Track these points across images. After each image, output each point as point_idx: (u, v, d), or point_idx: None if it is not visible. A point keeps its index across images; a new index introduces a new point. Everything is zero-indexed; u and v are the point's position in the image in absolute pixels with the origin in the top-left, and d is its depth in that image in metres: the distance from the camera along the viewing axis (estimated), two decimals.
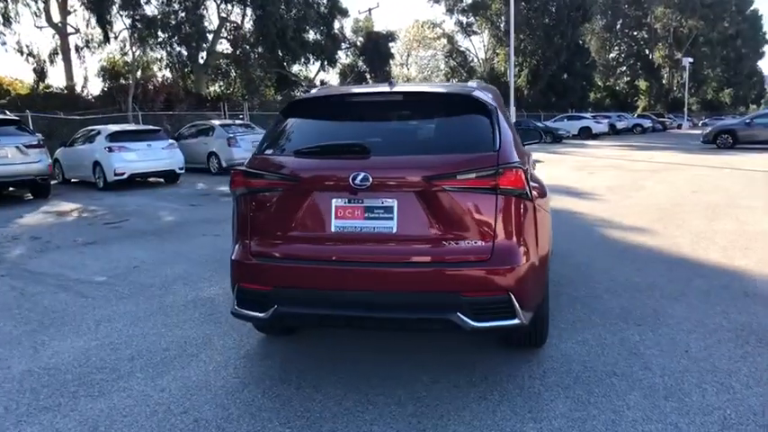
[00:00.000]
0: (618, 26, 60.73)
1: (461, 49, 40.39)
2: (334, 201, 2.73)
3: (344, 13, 31.48)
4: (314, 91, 3.54)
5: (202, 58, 26.59)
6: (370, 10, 33.52)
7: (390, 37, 32.78)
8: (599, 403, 2.78)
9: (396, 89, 2.99)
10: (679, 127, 47.67)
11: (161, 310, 4.32)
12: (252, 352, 3.53)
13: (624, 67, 64.72)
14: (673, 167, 14.64)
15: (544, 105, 42.24)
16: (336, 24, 31.45)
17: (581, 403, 2.78)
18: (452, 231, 2.63)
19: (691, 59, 50.85)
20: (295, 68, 31.54)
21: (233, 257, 2.93)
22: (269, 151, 2.97)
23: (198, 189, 12.66)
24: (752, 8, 74.41)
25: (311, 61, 31.42)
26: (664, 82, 65.25)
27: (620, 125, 38.12)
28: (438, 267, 2.61)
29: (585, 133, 33.06)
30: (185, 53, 25.37)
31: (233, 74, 28.41)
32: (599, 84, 57.51)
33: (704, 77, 66.90)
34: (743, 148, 20.63)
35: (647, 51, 61.74)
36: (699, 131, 28.25)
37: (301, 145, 2.88)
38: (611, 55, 62.54)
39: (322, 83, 34.61)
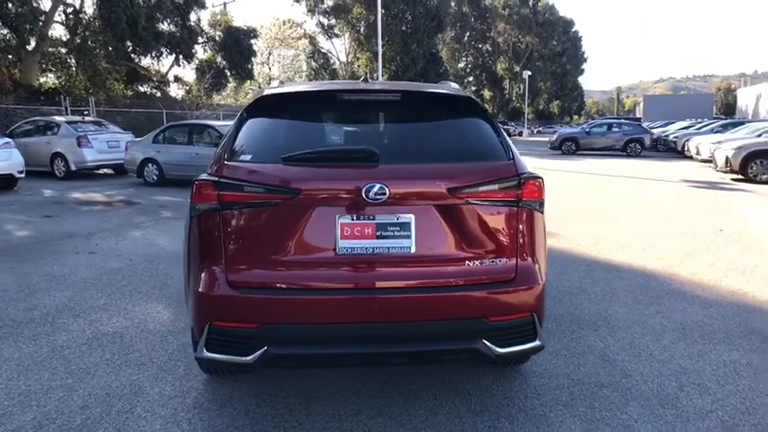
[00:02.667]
0: (466, 38, 65.17)
1: (323, 50, 40.14)
2: (338, 217, 2.28)
3: (201, 4, 29.52)
4: (275, 84, 3.00)
5: (32, 43, 23.02)
6: (225, 4, 31.79)
7: (252, 33, 31.37)
8: (606, 419, 2.70)
9: (393, 87, 2.63)
10: (520, 134, 52.41)
11: (56, 354, 3.44)
12: (202, 399, 2.90)
13: (471, 77, 69.65)
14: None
15: None
16: (193, 16, 29.44)
17: (590, 421, 2.68)
18: (475, 249, 2.35)
19: (529, 72, 56.20)
20: (145, 62, 28.84)
21: (198, 289, 2.33)
22: (244, 157, 2.40)
23: (46, 197, 10.82)
24: (574, 29, 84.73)
25: (164, 54, 28.97)
26: (505, 92, 71.42)
27: None
28: (463, 291, 2.31)
29: None
30: (12, 36, 21.79)
31: (73, 64, 25.08)
32: None
33: (538, 89, 74.59)
34: (584, 154, 23.22)
35: (491, 63, 67.05)
36: (538, 138, 31.33)
37: (289, 150, 2.38)
38: (460, 65, 66.95)
39: (176, 78, 32.15)
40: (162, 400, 2.88)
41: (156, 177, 12.11)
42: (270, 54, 40.02)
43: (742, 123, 21.88)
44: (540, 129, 66.67)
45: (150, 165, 12.14)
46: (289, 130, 2.59)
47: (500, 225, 2.38)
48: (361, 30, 40.12)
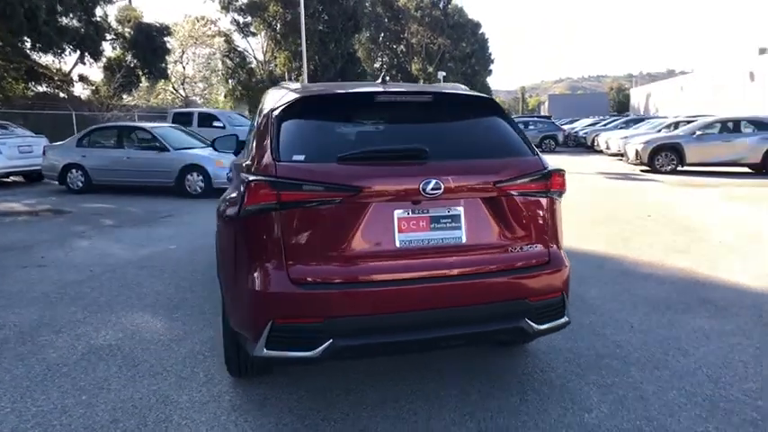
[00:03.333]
0: (381, 39, 65.97)
1: (240, 49, 39.01)
2: (396, 212, 2.40)
3: None
4: (291, 84, 3.02)
5: None
6: None
7: (165, 31, 29.90)
8: (617, 383, 3.01)
9: (423, 89, 2.77)
10: None
11: (54, 372, 3.26)
12: (239, 401, 2.89)
13: (388, 78, 70.62)
14: None
15: None
16: (99, 11, 27.60)
17: (604, 386, 2.98)
18: (516, 237, 2.56)
19: (444, 73, 57.82)
20: (45, 59, 26.70)
21: (259, 289, 2.36)
22: (297, 157, 2.44)
23: None
24: (481, 31, 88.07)
25: (67, 51, 26.95)
26: None
27: None
28: (507, 275, 2.51)
29: None
30: None
31: None
32: None
33: None
34: None
35: (405, 64, 68.32)
36: None
37: (337, 150, 2.45)
38: (376, 65, 67.61)
39: (81, 78, 30.02)
40: (195, 406, 2.85)
41: (81, 184, 11.37)
42: (183, 52, 38.29)
43: (642, 120, 23.98)
44: None
45: (74, 170, 11.38)
46: (332, 130, 2.66)
47: (534, 214, 2.61)
48: (278, 28, 39.45)
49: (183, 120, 15.54)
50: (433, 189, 2.38)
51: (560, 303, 2.65)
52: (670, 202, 9.52)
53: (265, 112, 2.89)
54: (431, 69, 71.23)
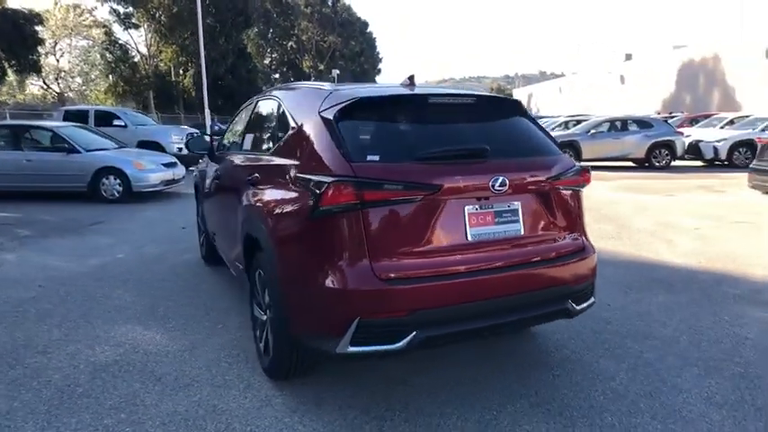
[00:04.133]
0: (271, 34, 64.61)
1: (121, 42, 36.15)
2: (466, 208, 2.57)
3: None
4: (329, 84, 3.02)
5: None
6: None
7: (36, 18, 27.00)
8: (622, 354, 3.43)
9: (465, 92, 2.95)
10: None
11: (69, 394, 3.01)
12: (294, 402, 2.89)
13: (278, 74, 69.37)
14: None
15: (212, 108, 41.78)
16: None
17: (613, 357, 3.38)
18: (560, 227, 2.85)
19: (338, 71, 58.01)
20: None
21: (344, 287, 2.41)
22: (371, 157, 2.50)
23: None
24: (368, 30, 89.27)
25: None
26: None
27: None
28: (556, 263, 2.78)
29: None
30: None
31: None
32: (262, 89, 60.31)
33: None
34: None
35: (297, 61, 67.55)
36: None
37: (405, 150, 2.56)
38: (266, 61, 66.20)
39: None
40: (251, 411, 2.81)
41: None
42: (56, 43, 34.73)
43: (541, 118, 25.93)
44: None
45: None
46: (392, 130, 2.74)
47: (571, 207, 2.91)
48: (163, 21, 37.17)
49: (76, 118, 14.24)
50: (500, 185, 2.59)
51: (592, 285, 2.98)
52: (587, 194, 10.52)
53: (307, 111, 2.91)
54: (322, 67, 71.18)
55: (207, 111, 22.79)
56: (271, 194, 2.93)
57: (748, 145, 15.00)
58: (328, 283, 2.45)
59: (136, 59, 37.77)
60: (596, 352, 3.47)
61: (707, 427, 2.64)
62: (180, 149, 14.95)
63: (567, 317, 2.90)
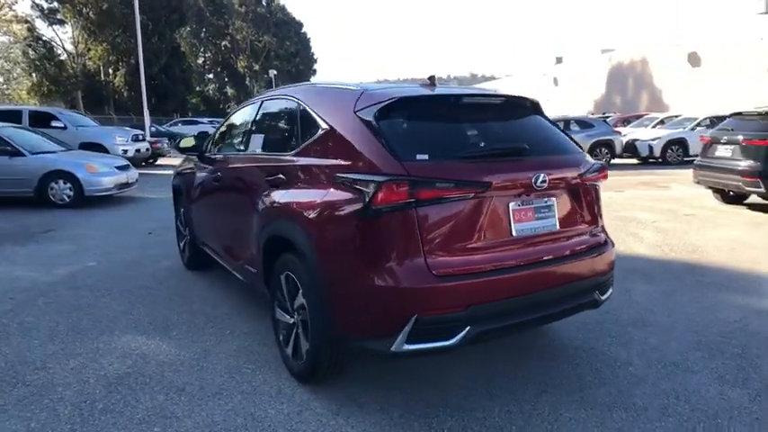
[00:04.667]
0: (204, 33, 62.70)
1: (45, 38, 33.87)
2: (510, 204, 2.64)
3: None
4: (375, 89, 2.98)
5: None
6: None
7: None
8: (627, 342, 3.63)
9: (493, 92, 3.02)
10: None
11: (92, 410, 2.84)
12: (335, 405, 2.86)
13: (212, 74, 67.49)
14: None
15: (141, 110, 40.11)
16: None
17: (621, 343, 3.57)
18: (586, 222, 2.98)
19: (275, 72, 57.16)
20: None
21: (401, 286, 2.41)
22: (420, 156, 2.52)
23: None
24: (303, 30, 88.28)
25: None
26: (249, 91, 71.01)
27: None
28: (587, 256, 2.91)
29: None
30: None
31: None
32: (196, 89, 58.46)
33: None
34: None
35: (232, 61, 65.93)
36: None
37: (445, 148, 2.61)
38: (200, 61, 64.21)
39: None
40: (292, 417, 2.76)
41: None
42: None
43: None
44: None
45: None
46: (431, 129, 2.76)
47: (593, 202, 3.05)
48: (92, 17, 35.20)
49: (7, 119, 13.25)
50: (541, 182, 2.68)
51: (612, 277, 3.14)
52: None
53: (339, 111, 2.90)
54: (257, 67, 69.90)
55: (146, 112, 21.81)
56: (306, 195, 2.88)
57: (680, 143, 16.12)
58: (383, 281, 2.45)
59: (62, 57, 35.57)
60: (605, 341, 3.65)
61: (728, 404, 2.84)
62: (125, 151, 14.27)
63: (594, 307, 3.04)
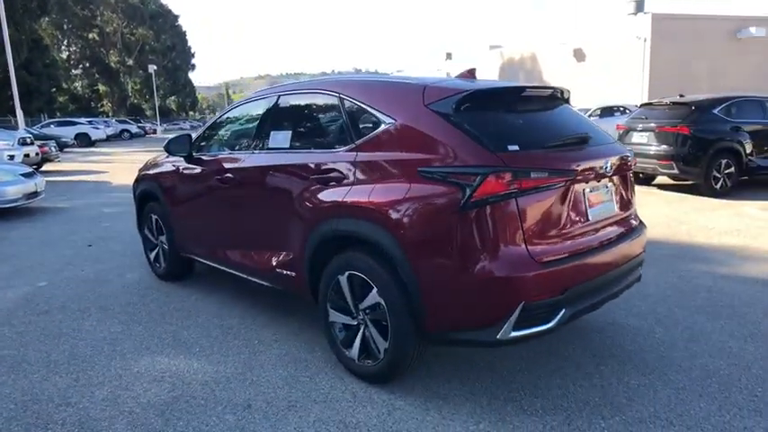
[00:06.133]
0: (66, 25, 56.91)
1: None
2: (585, 190, 2.78)
3: None
4: (438, 82, 2.92)
5: None
6: None
7: None
8: (644, 312, 3.96)
9: (544, 85, 3.14)
10: (154, 132, 49.86)
11: None
12: (421, 403, 2.84)
13: (80, 70, 61.61)
14: None
15: (5, 108, 35.64)
16: None
17: (640, 315, 3.90)
18: (630, 204, 3.22)
19: (155, 67, 53.58)
20: None
21: (508, 275, 2.45)
22: (511, 147, 2.55)
23: None
24: (179, 23, 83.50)
25: None
26: (124, 87, 65.97)
27: (108, 131, 36.82)
28: (635, 235, 3.13)
29: (83, 140, 30.44)
30: None
31: None
32: (64, 86, 52.97)
33: (156, 86, 71.32)
34: None
35: (102, 55, 60.62)
36: (170, 135, 31.33)
37: (531, 138, 2.69)
38: (64, 55, 58.26)
39: None
40: (386, 419, 2.70)
41: None
42: None
43: None
44: (167, 126, 64.49)
45: None
46: (504, 120, 2.80)
47: (631, 186, 3.29)
48: None
49: None
50: (609, 168, 2.86)
51: (644, 254, 3.42)
52: None
53: (405, 105, 2.86)
54: (131, 62, 65.03)
55: (19, 112, 19.46)
56: (380, 191, 2.78)
57: None
58: (489, 272, 2.47)
59: None
60: (620, 314, 3.95)
61: (752, 356, 3.24)
62: (11, 157, 12.66)
63: (638, 281, 3.29)
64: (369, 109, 3.03)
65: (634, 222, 3.25)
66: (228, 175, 3.84)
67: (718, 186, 8.49)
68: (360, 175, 2.94)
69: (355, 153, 3.00)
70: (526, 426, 2.61)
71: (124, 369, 3.30)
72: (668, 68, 16.96)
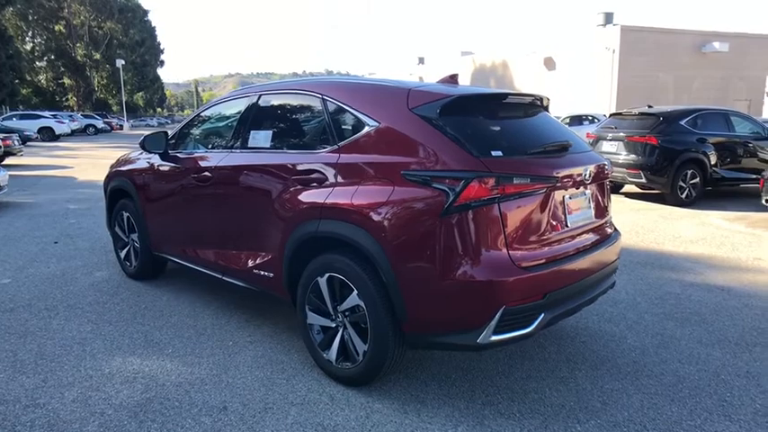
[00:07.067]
0: (32, 16, 55.12)
1: None
2: (565, 197, 2.83)
3: None
4: (421, 87, 2.92)
5: None
6: None
7: None
8: (618, 318, 4.05)
9: (525, 93, 3.18)
10: (120, 128, 48.75)
11: None
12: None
13: (45, 62, 59.72)
14: None
15: None
16: None
17: (614, 321, 3.98)
18: (606, 213, 3.28)
19: (122, 61, 52.41)
20: None
21: (490, 279, 2.47)
22: (495, 153, 2.57)
23: None
24: (148, 18, 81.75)
25: None
26: (90, 81, 64.28)
27: (73, 126, 35.81)
28: (611, 243, 3.19)
29: (47, 134, 29.54)
30: None
31: None
32: (27, 78, 51.29)
33: (124, 80, 69.72)
34: None
35: (69, 48, 58.90)
36: (143, 132, 30.91)
37: (512, 144, 2.72)
38: (27, 47, 56.40)
39: None
40: (364, 421, 2.69)
41: None
42: None
43: None
44: (133, 122, 63.09)
45: None
46: (487, 126, 2.82)
47: (607, 194, 3.35)
48: None
49: None
50: (588, 176, 2.93)
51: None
52: None
53: (389, 108, 2.86)
54: (98, 56, 63.42)
55: None
56: (362, 193, 2.77)
57: None
58: (471, 276, 2.49)
59: None
60: (593, 319, 4.04)
61: (720, 362, 3.34)
62: None
63: (612, 288, 3.36)
64: (352, 111, 3.02)
65: (609, 230, 3.32)
66: (206, 173, 3.78)
67: (683, 196, 8.76)
68: (342, 177, 2.92)
69: (338, 155, 2.99)
70: (504, 429, 2.63)
71: (95, 369, 3.20)
72: (636, 79, 17.44)
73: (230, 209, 3.62)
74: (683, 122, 8.86)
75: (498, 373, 3.18)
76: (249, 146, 3.59)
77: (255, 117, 3.64)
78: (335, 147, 3.02)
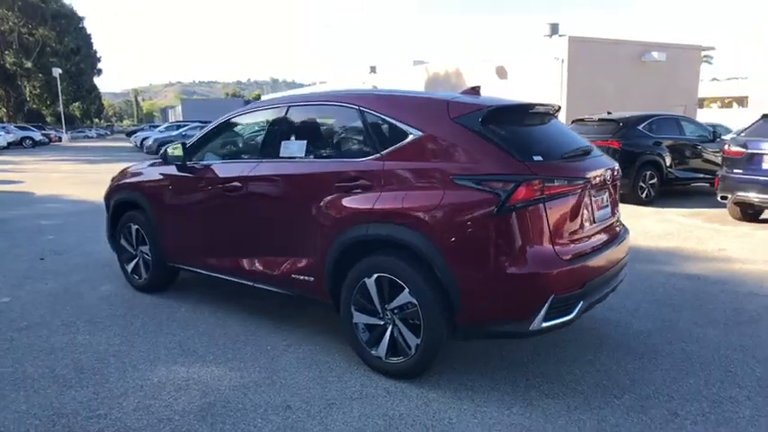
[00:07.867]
0: None
1: None
2: (592, 197, 3.14)
3: None
4: (459, 98, 3.17)
5: None
6: None
7: None
8: (620, 308, 4.43)
9: (545, 102, 3.48)
10: (59, 140, 46.58)
11: None
12: (456, 393, 3.05)
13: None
14: None
15: None
16: None
17: (610, 309, 4.35)
18: (617, 211, 3.63)
19: (60, 70, 50.15)
20: None
21: (540, 271, 2.74)
22: (536, 158, 2.85)
23: None
24: (82, 25, 78.46)
25: None
26: (22, 91, 61.09)
27: (9, 138, 34.02)
28: (625, 237, 3.54)
29: None
30: None
31: None
32: None
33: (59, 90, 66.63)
34: None
35: None
36: (86, 144, 29.47)
37: (548, 150, 3.01)
38: None
39: None
40: (426, 411, 2.89)
41: None
42: None
43: None
44: (72, 134, 60.34)
45: None
46: (520, 133, 3.10)
47: (617, 194, 3.70)
48: None
49: None
50: (609, 177, 3.27)
51: None
52: None
53: (431, 119, 3.09)
54: (29, 64, 60.41)
55: None
56: (413, 198, 2.97)
57: None
58: (523, 269, 2.76)
59: None
60: (597, 308, 4.36)
61: (717, 339, 3.74)
62: None
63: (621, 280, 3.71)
64: (392, 121, 3.23)
65: (623, 225, 3.68)
66: (235, 183, 3.87)
67: (643, 195, 9.43)
68: (388, 183, 3.12)
69: (382, 162, 3.18)
70: (552, 407, 2.90)
71: (143, 380, 3.24)
72: (583, 88, 18.40)
73: (264, 217, 3.73)
74: (640, 127, 9.55)
75: (530, 362, 3.45)
76: (281, 155, 3.72)
77: (286, 128, 3.78)
78: (378, 155, 3.22)
